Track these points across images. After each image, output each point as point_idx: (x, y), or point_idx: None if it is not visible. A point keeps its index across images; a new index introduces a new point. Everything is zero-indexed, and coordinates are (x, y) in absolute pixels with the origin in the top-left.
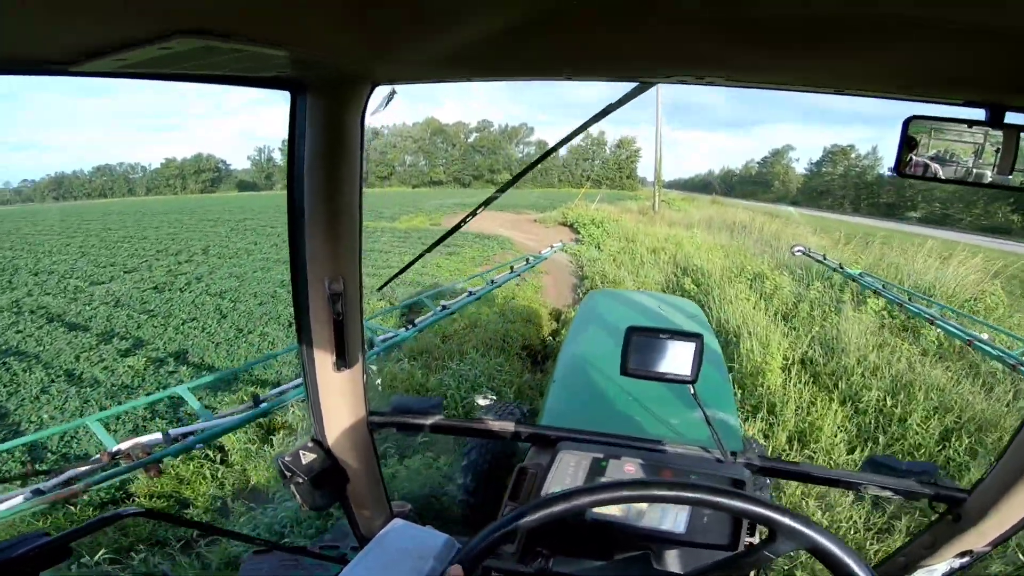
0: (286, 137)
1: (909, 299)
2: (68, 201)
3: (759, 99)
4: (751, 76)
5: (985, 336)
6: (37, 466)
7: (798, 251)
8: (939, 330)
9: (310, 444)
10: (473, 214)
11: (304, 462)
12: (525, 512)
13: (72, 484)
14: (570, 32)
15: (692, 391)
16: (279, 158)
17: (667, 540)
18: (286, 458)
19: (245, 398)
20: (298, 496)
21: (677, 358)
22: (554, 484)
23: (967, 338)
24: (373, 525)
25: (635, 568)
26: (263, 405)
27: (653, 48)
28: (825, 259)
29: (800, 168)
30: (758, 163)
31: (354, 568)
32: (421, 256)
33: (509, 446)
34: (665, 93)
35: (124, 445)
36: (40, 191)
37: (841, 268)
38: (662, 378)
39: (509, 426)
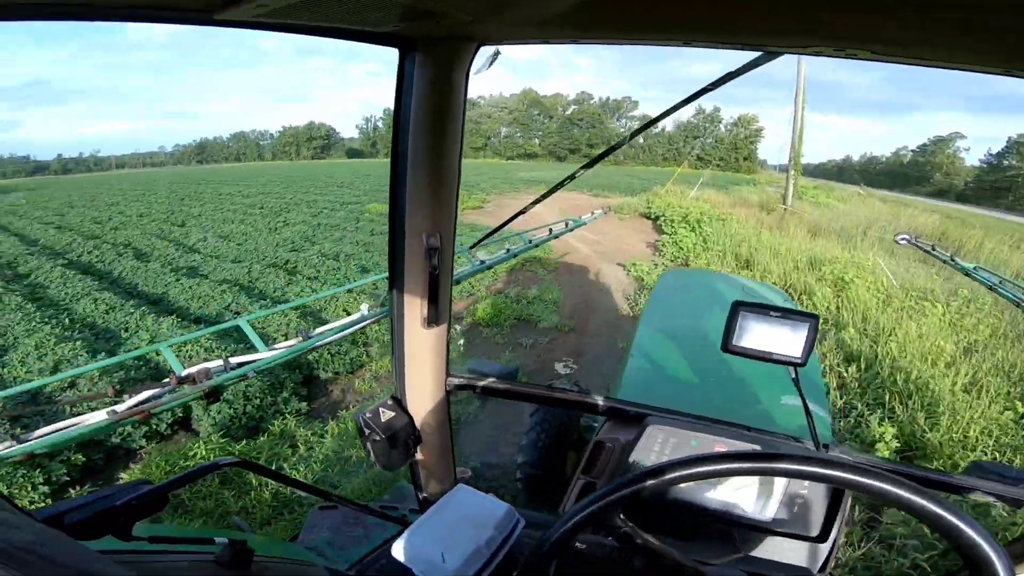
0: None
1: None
2: (209, 164)
3: (909, 81)
4: (897, 51)
5: None
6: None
7: (902, 240)
8: None
9: (389, 402)
10: (561, 185)
11: (383, 420)
12: (651, 474)
13: (144, 404)
14: None
15: (794, 375)
16: (383, 127)
17: (753, 526)
18: (366, 415)
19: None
20: (372, 454)
21: (787, 338)
22: (640, 459)
23: None
24: (437, 489)
25: (719, 550)
26: (309, 340)
27: (784, 12)
28: (935, 250)
29: (972, 159)
30: (913, 151)
31: (416, 530)
32: (510, 221)
33: (573, 419)
34: (792, 69)
35: (191, 370)
36: (188, 155)
37: (954, 261)
38: (768, 358)
39: (591, 398)
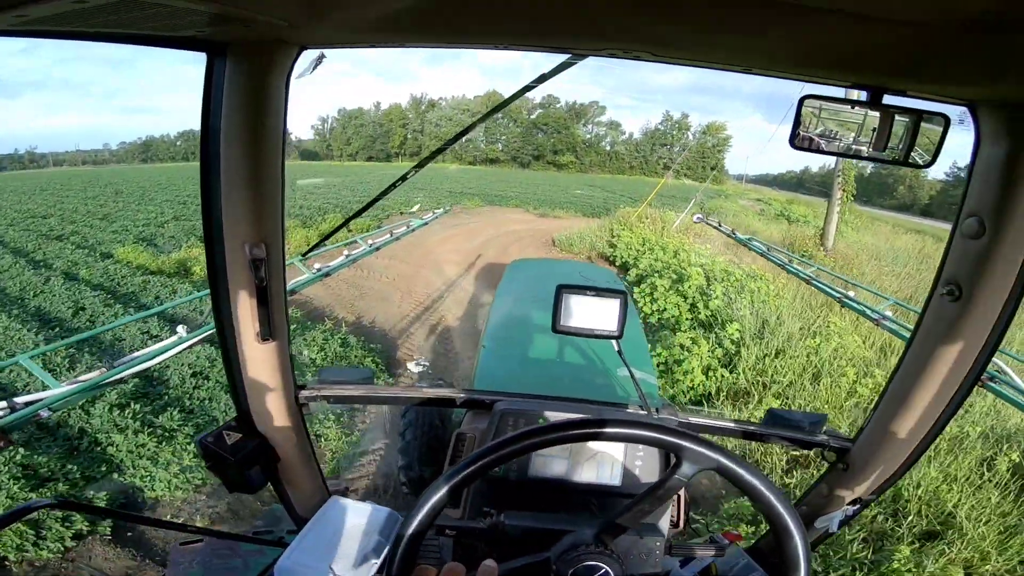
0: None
1: (789, 261)
2: (151, 163)
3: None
4: (673, 53)
5: (852, 294)
6: None
7: (697, 219)
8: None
9: (233, 423)
10: (403, 179)
11: (229, 442)
12: (465, 466)
13: None
14: None
15: (617, 347)
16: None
17: (605, 492)
18: (208, 438)
19: None
20: (224, 479)
21: (604, 315)
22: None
23: (838, 296)
24: (309, 505)
25: (578, 518)
26: (114, 370)
27: (580, 19)
28: (720, 226)
29: (936, 173)
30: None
31: (295, 550)
32: (344, 224)
33: (444, 415)
34: (763, 84)
35: None
36: (132, 153)
37: (734, 234)
38: (591, 334)
39: (444, 392)
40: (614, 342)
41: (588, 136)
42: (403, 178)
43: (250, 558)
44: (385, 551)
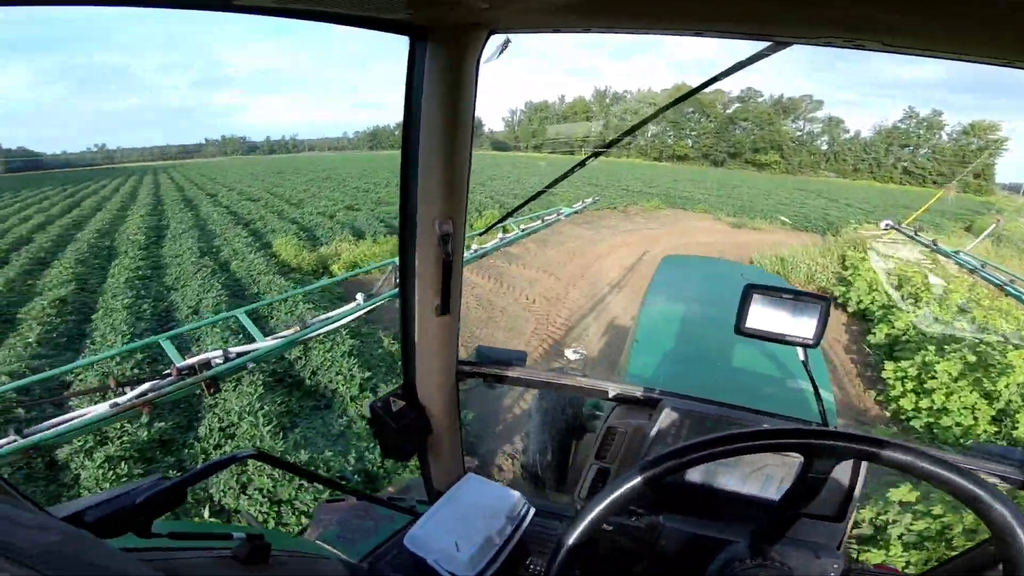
0: None
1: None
2: (376, 151)
3: None
4: (912, 41)
5: None
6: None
7: (886, 226)
8: None
9: (399, 391)
10: (582, 164)
11: (394, 409)
12: (669, 457)
13: (146, 396)
14: None
15: (803, 357)
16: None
17: (768, 507)
18: (378, 404)
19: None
20: (383, 445)
21: (800, 320)
22: (658, 443)
23: None
24: (446, 479)
25: (738, 530)
26: (307, 329)
27: (796, 2)
28: (917, 235)
29: None
30: None
31: (429, 520)
32: (523, 205)
33: (576, 405)
34: None
35: (191, 360)
36: (362, 141)
37: (935, 246)
38: (781, 339)
39: (599, 383)
40: (800, 351)
41: (799, 133)
42: (581, 163)
43: (382, 522)
44: (506, 535)
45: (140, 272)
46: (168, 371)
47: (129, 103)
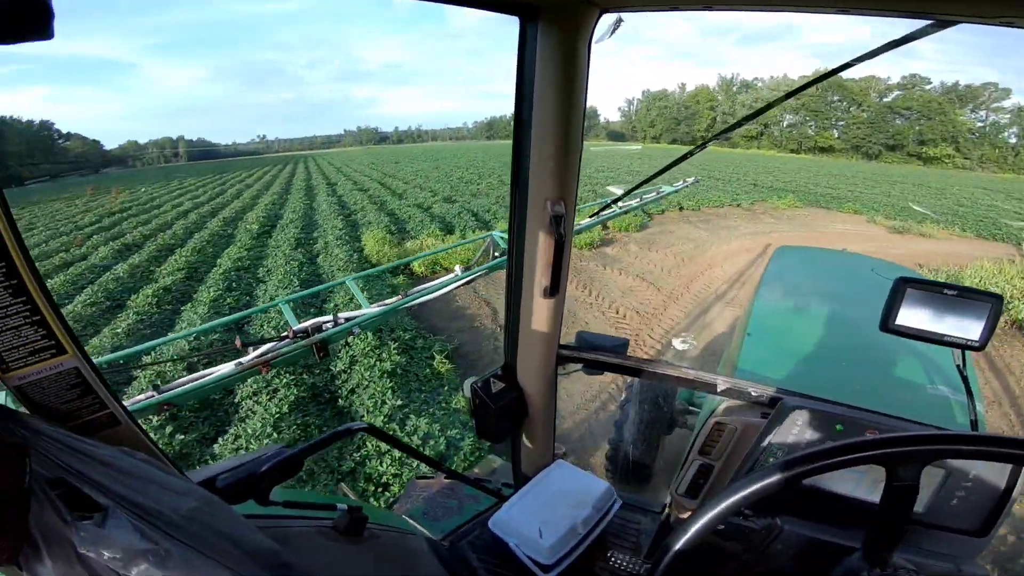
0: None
1: None
2: (493, 140)
3: None
4: None
5: None
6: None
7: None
8: None
9: (499, 371)
10: (702, 146)
11: (494, 390)
12: (820, 456)
13: (265, 356)
14: None
15: (959, 360)
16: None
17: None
18: (478, 383)
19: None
20: (479, 425)
21: (964, 320)
22: (779, 443)
23: None
24: (535, 464)
25: (855, 535)
26: (408, 298)
27: None
28: None
29: None
30: None
31: (514, 505)
32: (635, 189)
33: (668, 397)
34: None
35: (304, 324)
36: (480, 131)
37: None
38: (939, 340)
39: (709, 377)
40: (956, 354)
41: (979, 124)
42: (702, 146)
43: (466, 502)
44: (591, 525)
45: (240, 263)
46: (285, 333)
47: (282, 97)
